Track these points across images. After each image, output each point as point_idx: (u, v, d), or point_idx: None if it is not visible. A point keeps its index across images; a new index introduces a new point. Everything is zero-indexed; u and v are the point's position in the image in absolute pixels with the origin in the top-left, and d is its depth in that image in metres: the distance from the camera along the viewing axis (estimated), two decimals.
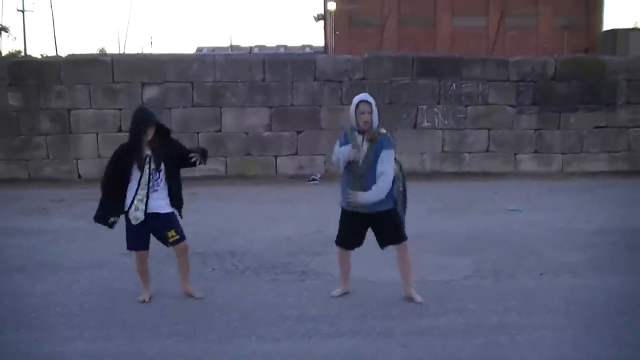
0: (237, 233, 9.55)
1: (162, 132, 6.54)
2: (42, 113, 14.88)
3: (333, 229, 9.68)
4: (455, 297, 6.63)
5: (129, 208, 6.40)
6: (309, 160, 15.50)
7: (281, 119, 15.35)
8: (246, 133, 15.32)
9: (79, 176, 15.07)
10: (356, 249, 6.70)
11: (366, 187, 6.25)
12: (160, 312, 6.25)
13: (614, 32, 31.94)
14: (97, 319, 6.09)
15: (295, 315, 6.17)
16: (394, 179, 6.32)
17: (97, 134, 14.99)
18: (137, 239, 6.51)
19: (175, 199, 6.55)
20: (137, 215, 6.38)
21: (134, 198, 6.38)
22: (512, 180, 14.89)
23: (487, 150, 15.74)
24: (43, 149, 15.00)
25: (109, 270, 7.72)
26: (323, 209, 11.32)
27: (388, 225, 6.43)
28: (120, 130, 14.89)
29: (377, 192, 6.22)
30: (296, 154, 15.50)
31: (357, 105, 6.30)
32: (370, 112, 6.27)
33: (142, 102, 14.76)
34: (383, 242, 6.55)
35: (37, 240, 9.23)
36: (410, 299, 6.51)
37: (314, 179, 15.05)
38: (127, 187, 6.40)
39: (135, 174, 6.38)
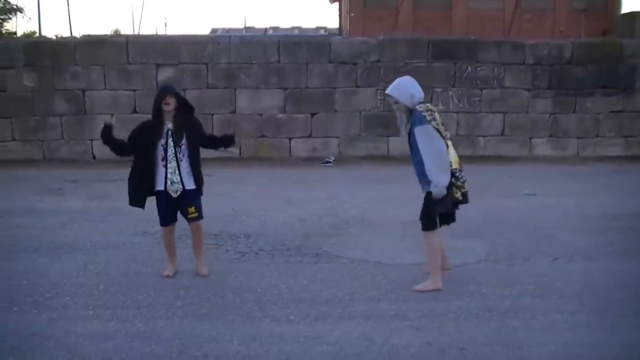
0: (251, 215, 9.57)
1: (186, 108, 6.66)
2: (56, 94, 14.93)
3: (347, 211, 9.73)
4: (469, 281, 6.61)
5: (164, 185, 6.55)
6: (323, 142, 15.49)
7: (295, 101, 15.33)
8: (260, 115, 15.32)
9: (94, 157, 15.12)
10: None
11: (417, 171, 6.17)
12: (175, 293, 6.28)
13: (632, 15, 31.53)
14: (112, 299, 6.12)
15: (308, 297, 6.18)
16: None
17: (112, 115, 15.01)
18: (168, 214, 6.71)
19: (195, 176, 6.64)
20: (175, 188, 6.57)
21: (165, 173, 6.52)
22: (526, 164, 14.82)
23: (502, 134, 15.68)
24: (58, 129, 15.06)
25: (124, 251, 7.75)
26: (337, 191, 11.34)
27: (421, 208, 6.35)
28: (135, 111, 14.93)
29: (432, 180, 6.07)
30: (310, 136, 15.49)
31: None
32: (396, 103, 6.31)
33: (157, 83, 14.78)
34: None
35: (52, 220, 9.27)
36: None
37: (327, 162, 15.04)
38: (153, 163, 6.54)
39: (160, 150, 6.50)
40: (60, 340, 5.21)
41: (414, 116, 6.22)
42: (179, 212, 6.77)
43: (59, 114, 15.02)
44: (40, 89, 14.88)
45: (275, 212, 9.76)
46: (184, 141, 6.55)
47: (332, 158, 15.23)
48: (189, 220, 6.74)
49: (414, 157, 6.21)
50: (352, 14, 38.61)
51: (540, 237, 8.40)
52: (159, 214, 6.75)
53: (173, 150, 6.52)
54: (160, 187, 6.60)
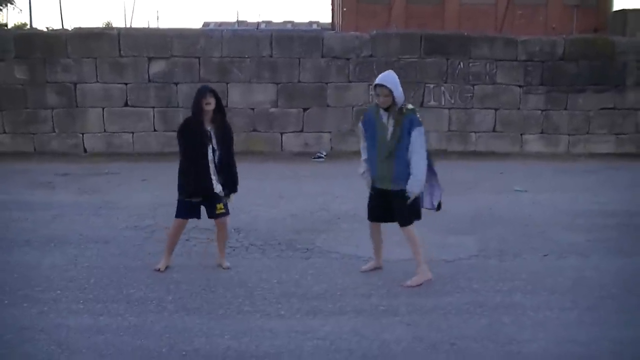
0: (242, 209, 9.54)
1: (221, 112, 6.76)
2: (48, 86, 14.85)
3: (338, 206, 9.75)
4: (460, 277, 6.63)
5: (209, 185, 6.69)
6: (315, 137, 15.48)
7: (288, 96, 15.31)
8: (252, 109, 15.29)
9: (85, 150, 15.07)
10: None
11: (395, 167, 6.29)
12: (166, 287, 6.27)
13: (624, 13, 31.64)
14: (102, 293, 6.11)
15: (299, 292, 6.18)
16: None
17: (104, 109, 14.97)
18: (190, 209, 6.78)
19: (230, 181, 6.92)
20: (219, 187, 6.76)
21: (211, 174, 6.70)
22: (518, 160, 14.85)
23: (493, 130, 15.69)
24: (49, 122, 14.99)
25: (115, 245, 7.73)
26: (328, 186, 11.34)
27: (401, 204, 6.41)
28: (126, 104, 14.90)
29: (418, 178, 6.25)
30: (302, 131, 15.47)
31: (375, 88, 6.35)
32: (388, 95, 6.24)
33: (149, 76, 14.75)
34: (397, 220, 6.56)
35: (43, 214, 9.24)
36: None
37: (319, 157, 15.04)
38: (206, 163, 6.67)
39: (203, 152, 6.64)
40: (51, 333, 5.21)
41: (408, 116, 6.27)
42: (203, 211, 6.88)
43: (50, 107, 14.95)
44: (31, 82, 14.80)
45: (267, 207, 9.75)
46: (217, 145, 6.68)
47: (324, 153, 15.22)
48: (218, 216, 6.82)
49: (399, 155, 6.26)
50: (345, 9, 38.55)
51: (532, 233, 8.42)
52: (180, 204, 6.80)
53: (211, 152, 6.66)
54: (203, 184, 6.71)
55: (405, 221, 6.48)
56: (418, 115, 6.34)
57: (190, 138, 6.65)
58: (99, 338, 5.13)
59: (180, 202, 6.81)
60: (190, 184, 6.68)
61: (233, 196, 6.99)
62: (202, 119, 6.59)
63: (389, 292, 6.19)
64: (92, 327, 5.35)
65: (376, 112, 6.42)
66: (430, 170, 6.50)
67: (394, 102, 6.26)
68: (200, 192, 6.70)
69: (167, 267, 6.84)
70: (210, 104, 6.56)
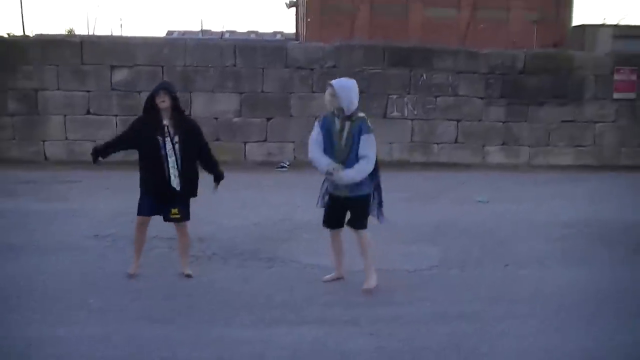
0: (205, 219, 9.48)
1: (178, 110, 6.76)
2: (9, 93, 14.66)
3: (301, 216, 9.75)
4: (421, 287, 6.68)
5: (167, 179, 6.59)
6: (278, 147, 15.48)
7: (251, 105, 15.30)
8: (216, 118, 15.25)
9: (46, 158, 14.90)
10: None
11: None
12: (128, 296, 6.22)
13: (582, 28, 32.26)
14: (63, 302, 6.03)
15: (262, 302, 6.17)
16: (375, 166, 6.43)
17: (65, 116, 14.82)
18: (149, 205, 6.70)
19: (188, 184, 6.78)
20: (177, 182, 6.65)
21: (168, 168, 6.58)
22: (479, 171, 15.00)
23: (455, 141, 15.84)
24: (9, 129, 14.79)
25: (78, 253, 7.64)
26: (291, 196, 11.34)
27: (358, 209, 6.51)
28: (88, 112, 14.78)
29: (357, 173, 6.31)
30: (266, 140, 15.47)
31: (327, 88, 6.43)
32: (334, 96, 6.37)
33: (111, 84, 14.65)
34: (350, 223, 6.63)
35: (3, 222, 9.10)
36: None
37: (282, 166, 15.04)
38: (159, 157, 6.57)
39: (155, 145, 6.55)
40: (9, 344, 5.12)
41: (358, 122, 6.39)
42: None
43: (10, 113, 14.75)
44: None
45: (230, 217, 9.72)
46: (177, 139, 6.59)
47: (287, 163, 15.23)
48: (171, 220, 6.80)
49: (351, 162, 6.34)
50: (309, 19, 38.71)
51: (493, 243, 8.51)
52: (141, 202, 6.73)
53: (171, 146, 6.57)
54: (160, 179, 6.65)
55: (361, 224, 6.55)
56: (368, 124, 6.43)
57: (141, 134, 6.63)
58: (59, 348, 5.05)
59: (140, 200, 6.75)
60: (148, 179, 6.66)
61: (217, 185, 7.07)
62: (155, 115, 6.58)
63: (351, 302, 6.20)
64: (51, 336, 5.27)
65: (331, 119, 6.49)
66: (377, 181, 6.58)
67: (343, 110, 6.32)
68: (157, 186, 6.64)
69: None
70: (164, 102, 6.54)
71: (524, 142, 16.03)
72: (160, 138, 6.55)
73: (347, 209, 6.58)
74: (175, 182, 6.64)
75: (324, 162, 6.43)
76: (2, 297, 6.14)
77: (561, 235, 8.96)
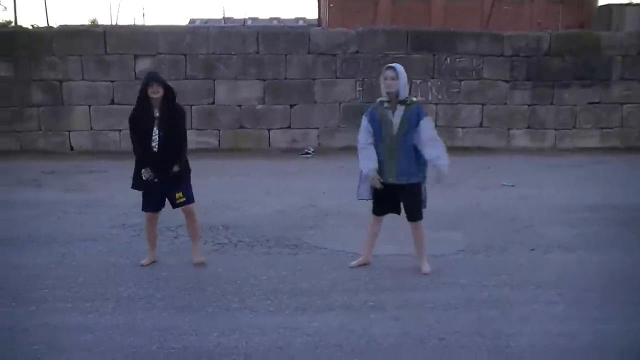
0: (230, 206, 9.56)
1: (171, 96, 6.68)
2: (33, 84, 14.80)
3: (326, 202, 9.76)
4: (447, 272, 6.66)
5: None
6: (302, 133, 15.48)
7: (274, 92, 15.30)
8: (239, 106, 15.27)
9: (71, 148, 15.02)
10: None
11: (399, 161, 6.37)
12: (155, 285, 6.26)
13: (609, 7, 31.82)
14: (90, 292, 6.09)
15: (288, 289, 6.19)
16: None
17: (90, 106, 14.93)
18: (151, 200, 6.74)
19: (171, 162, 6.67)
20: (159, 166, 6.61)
21: (155, 159, 6.58)
22: (504, 155, 14.90)
23: (480, 125, 15.74)
24: (35, 120, 14.93)
25: (102, 243, 7.71)
26: (316, 182, 11.35)
27: (409, 198, 6.53)
28: (112, 102, 14.86)
29: (444, 156, 6.45)
30: (289, 127, 15.47)
31: (384, 72, 6.38)
32: (395, 79, 6.29)
33: (135, 74, 14.71)
34: (406, 215, 6.63)
35: (30, 213, 9.21)
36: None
37: (307, 153, 15.04)
38: (148, 148, 6.59)
39: (149, 135, 6.58)
40: (38, 333, 5.19)
41: (414, 107, 6.39)
42: (166, 202, 6.84)
43: (35, 104, 14.89)
44: (16, 80, 14.73)
45: (255, 204, 9.75)
46: (169, 129, 6.58)
47: (312, 149, 15.23)
48: (177, 205, 6.80)
49: (404, 148, 6.34)
50: (332, 5, 38.58)
51: (518, 228, 8.46)
52: (143, 198, 6.78)
53: (157, 137, 6.56)
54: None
55: (418, 215, 6.58)
56: (422, 107, 6.49)
57: (137, 130, 6.66)
58: (87, 337, 5.11)
59: (143, 196, 6.80)
60: (137, 175, 6.70)
61: (176, 167, 6.72)
62: (146, 107, 6.58)
63: (377, 288, 6.21)
64: (80, 325, 5.33)
65: (380, 110, 6.44)
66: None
67: (397, 94, 6.29)
68: (143, 184, 6.67)
69: (152, 262, 6.88)
70: (157, 92, 6.53)
71: (550, 125, 15.89)
72: (151, 135, 6.58)
73: (398, 197, 6.57)
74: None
75: (364, 164, 6.50)
76: (32, 286, 6.22)
77: (587, 219, 8.89)
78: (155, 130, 6.57)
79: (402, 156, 6.37)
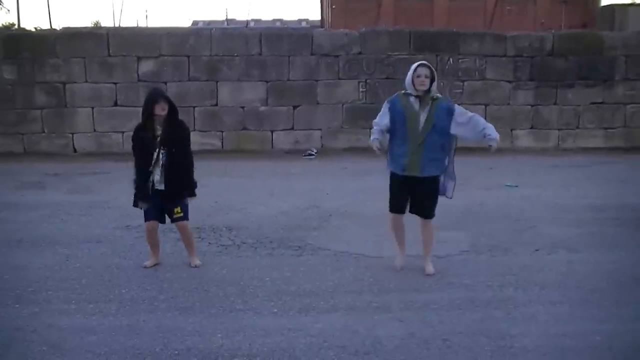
0: (234, 208, 9.56)
1: (174, 112, 6.65)
2: (37, 87, 14.83)
3: (329, 203, 9.75)
4: (451, 272, 6.65)
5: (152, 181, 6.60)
6: (305, 135, 15.49)
7: (277, 94, 15.31)
8: (242, 107, 15.29)
9: (75, 150, 15.04)
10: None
11: (424, 154, 6.34)
12: (158, 286, 6.26)
13: (612, 8, 31.77)
14: (94, 293, 6.09)
15: (291, 290, 6.18)
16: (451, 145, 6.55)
17: (93, 108, 14.96)
18: (152, 211, 6.70)
19: (179, 180, 6.67)
20: (157, 179, 6.58)
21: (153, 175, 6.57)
22: (508, 156, 14.86)
23: None
24: (38, 122, 14.96)
25: (106, 245, 7.72)
26: (319, 183, 11.35)
27: (428, 193, 6.52)
28: (115, 104, 14.88)
29: (491, 128, 6.49)
30: (292, 128, 15.48)
31: (415, 69, 6.33)
32: (428, 77, 6.28)
33: (138, 76, 14.72)
34: (419, 211, 6.62)
35: (33, 214, 9.22)
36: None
37: (310, 154, 15.05)
38: (150, 164, 6.58)
39: (150, 155, 6.57)
40: (43, 334, 5.19)
41: (443, 100, 6.46)
42: (166, 215, 6.84)
43: (39, 107, 14.92)
44: (20, 82, 14.77)
45: (258, 205, 9.75)
46: (169, 147, 6.57)
47: (315, 150, 15.23)
48: (174, 220, 6.78)
49: (430, 141, 6.34)
50: (334, 6, 38.60)
51: (522, 228, 8.45)
52: (145, 211, 6.77)
53: (162, 155, 6.54)
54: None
55: (430, 213, 6.58)
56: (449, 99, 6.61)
57: (139, 145, 6.66)
58: (91, 338, 5.11)
59: (145, 209, 6.80)
60: (138, 191, 6.69)
61: (192, 199, 6.82)
62: (151, 124, 6.55)
63: (381, 289, 6.20)
64: (84, 327, 5.33)
65: (405, 101, 6.40)
66: (451, 161, 6.62)
67: (429, 89, 6.30)
68: (141, 199, 6.69)
69: (156, 265, 6.88)
70: (164, 110, 6.49)
71: (553, 125, 15.89)
72: (152, 152, 6.56)
73: (415, 192, 6.52)
74: (157, 183, 6.61)
75: (373, 135, 6.54)
76: (36, 287, 6.22)
77: (591, 219, 8.87)
78: (160, 152, 6.54)
79: (427, 150, 6.34)
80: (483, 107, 15.64)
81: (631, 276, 6.60)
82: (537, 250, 7.49)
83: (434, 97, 6.37)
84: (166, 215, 6.81)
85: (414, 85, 6.32)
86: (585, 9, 37.28)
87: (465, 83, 15.58)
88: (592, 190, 10.89)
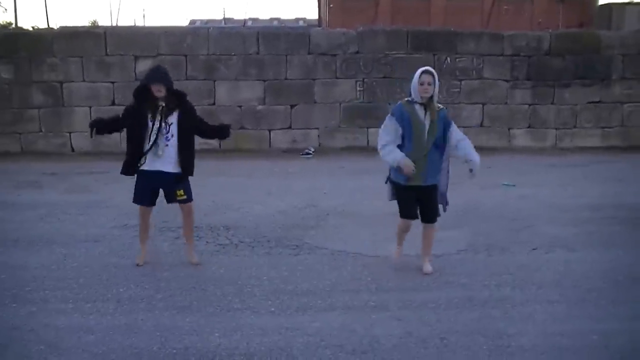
0: (231, 207, 9.56)
1: (178, 95, 6.68)
2: (34, 86, 14.79)
3: (327, 202, 9.75)
4: (449, 271, 6.66)
5: (145, 159, 6.56)
6: (302, 134, 15.48)
7: (275, 93, 15.30)
8: (240, 106, 15.27)
9: (72, 149, 15.02)
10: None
11: (428, 164, 6.36)
12: (156, 285, 6.26)
13: (609, 7, 31.81)
14: (91, 293, 6.09)
15: (289, 289, 6.19)
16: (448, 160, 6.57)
17: (90, 107, 14.92)
18: (143, 193, 6.69)
19: (185, 164, 6.66)
20: (157, 152, 6.53)
21: (151, 146, 6.52)
22: (505, 155, 14.89)
23: (481, 125, 15.72)
24: (35, 122, 14.93)
25: (104, 244, 7.71)
26: (316, 182, 11.35)
27: (431, 200, 6.54)
28: (113, 103, 14.84)
29: (475, 151, 6.55)
30: (290, 127, 15.47)
31: (420, 76, 6.31)
32: (431, 84, 6.28)
33: (136, 75, 14.71)
34: (424, 217, 6.62)
35: (31, 213, 9.20)
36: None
37: (307, 153, 15.04)
38: (144, 138, 6.55)
39: (149, 128, 6.52)
40: (40, 334, 5.19)
41: (442, 111, 6.47)
42: (161, 199, 6.81)
43: (36, 106, 14.89)
44: (17, 81, 14.73)
45: (256, 204, 9.75)
46: (173, 121, 6.55)
47: (312, 149, 15.23)
48: (179, 202, 6.76)
49: (433, 150, 6.37)
50: (332, 5, 38.59)
51: (519, 227, 8.46)
52: (137, 192, 6.75)
53: (164, 130, 6.51)
54: (146, 167, 6.60)
55: (434, 218, 6.61)
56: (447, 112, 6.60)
57: (130, 119, 6.67)
58: (89, 337, 5.11)
59: (135, 188, 6.77)
60: (127, 162, 6.68)
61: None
62: (153, 98, 6.51)
63: (379, 288, 6.21)
64: (82, 326, 5.33)
65: (410, 108, 6.37)
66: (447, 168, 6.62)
67: (432, 97, 6.30)
68: (130, 172, 6.67)
69: (144, 262, 6.87)
70: (161, 91, 6.46)
71: (550, 124, 15.89)
72: (152, 122, 6.52)
73: (420, 199, 6.53)
74: (158, 152, 6.55)
75: (395, 155, 6.36)
76: (34, 287, 6.22)
77: (588, 219, 8.89)
78: (160, 123, 6.49)
79: (430, 160, 6.37)
80: (480, 106, 15.64)
81: (628, 275, 6.62)
82: (534, 249, 7.51)
83: (436, 106, 6.39)
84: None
85: (418, 93, 6.31)
86: (583, 8, 37.30)
87: (463, 82, 15.57)
88: (589, 189, 10.91)
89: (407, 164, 6.25)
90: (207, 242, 7.78)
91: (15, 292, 6.08)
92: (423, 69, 6.41)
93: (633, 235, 8.13)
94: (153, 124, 6.50)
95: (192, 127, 6.73)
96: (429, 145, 6.33)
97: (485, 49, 15.55)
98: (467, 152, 6.48)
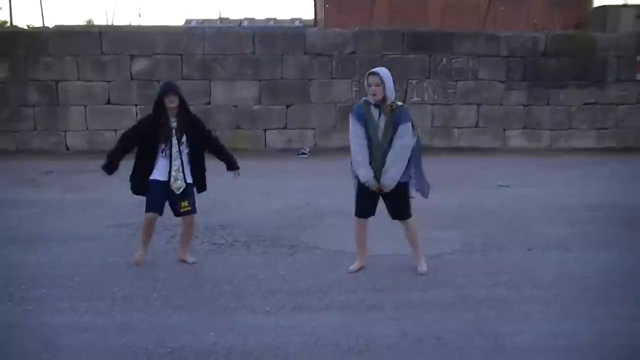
0: (227, 206, 9.56)
1: (185, 107, 6.73)
2: (29, 85, 14.79)
3: (323, 202, 9.75)
4: (444, 271, 6.66)
5: (167, 179, 6.60)
6: (298, 134, 15.49)
7: (271, 93, 15.31)
8: (235, 106, 15.28)
9: (67, 148, 15.01)
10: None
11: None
12: (152, 284, 6.25)
13: (604, 9, 31.86)
14: (88, 291, 6.08)
15: (285, 288, 6.19)
16: (412, 152, 6.36)
17: (86, 106, 14.93)
18: (157, 202, 6.70)
19: (197, 178, 6.81)
20: (178, 185, 6.64)
21: (170, 170, 6.59)
22: (500, 155, 14.93)
23: (476, 126, 15.77)
24: (31, 120, 14.92)
25: (100, 243, 7.70)
26: (312, 182, 11.36)
27: (399, 199, 6.48)
28: (108, 102, 14.85)
29: (396, 170, 6.27)
30: (285, 127, 15.48)
31: (367, 78, 6.29)
32: (379, 85, 6.19)
33: (131, 74, 14.70)
34: (394, 215, 6.61)
35: (27, 212, 9.19)
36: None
37: (303, 153, 15.05)
38: (153, 156, 6.61)
39: (161, 146, 6.58)
40: (36, 332, 5.18)
41: (399, 111, 6.28)
42: (167, 208, 6.83)
43: (31, 105, 14.88)
44: (12, 80, 14.73)
45: (251, 203, 9.75)
46: (184, 139, 6.62)
47: (308, 149, 15.24)
48: (182, 214, 6.80)
49: (387, 148, 6.28)
50: (328, 5, 38.52)
51: (515, 227, 8.47)
52: (149, 199, 6.72)
53: (177, 149, 6.59)
54: (159, 177, 6.63)
55: (406, 214, 6.57)
56: (409, 112, 6.39)
57: (145, 134, 6.64)
58: (85, 336, 5.10)
59: (148, 195, 6.75)
60: (135, 179, 6.74)
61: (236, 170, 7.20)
62: (165, 116, 6.57)
63: (375, 287, 6.21)
64: (78, 325, 5.32)
65: (366, 109, 6.35)
66: (417, 166, 6.52)
67: (384, 97, 6.24)
68: (140, 189, 6.74)
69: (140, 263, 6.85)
70: (173, 102, 6.52)
71: (545, 125, 15.94)
72: (164, 143, 6.58)
73: (384, 198, 6.51)
74: (175, 185, 6.63)
75: (364, 172, 6.37)
76: (30, 285, 6.20)
77: (583, 219, 8.90)
78: (174, 143, 6.56)
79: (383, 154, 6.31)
80: (476, 107, 15.69)
81: (624, 275, 6.63)
82: (530, 249, 7.52)
83: (395, 106, 6.30)
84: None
85: (369, 94, 6.31)
86: (578, 10, 37.26)
87: (459, 83, 15.61)
88: (585, 189, 10.93)
89: (373, 185, 6.34)
90: (202, 241, 7.78)
91: (11, 291, 6.07)
92: (371, 70, 6.36)
93: (629, 235, 8.15)
94: (165, 145, 6.58)
95: (203, 142, 6.85)
96: (383, 145, 6.28)
97: (481, 50, 15.59)
98: (388, 164, 6.29)
